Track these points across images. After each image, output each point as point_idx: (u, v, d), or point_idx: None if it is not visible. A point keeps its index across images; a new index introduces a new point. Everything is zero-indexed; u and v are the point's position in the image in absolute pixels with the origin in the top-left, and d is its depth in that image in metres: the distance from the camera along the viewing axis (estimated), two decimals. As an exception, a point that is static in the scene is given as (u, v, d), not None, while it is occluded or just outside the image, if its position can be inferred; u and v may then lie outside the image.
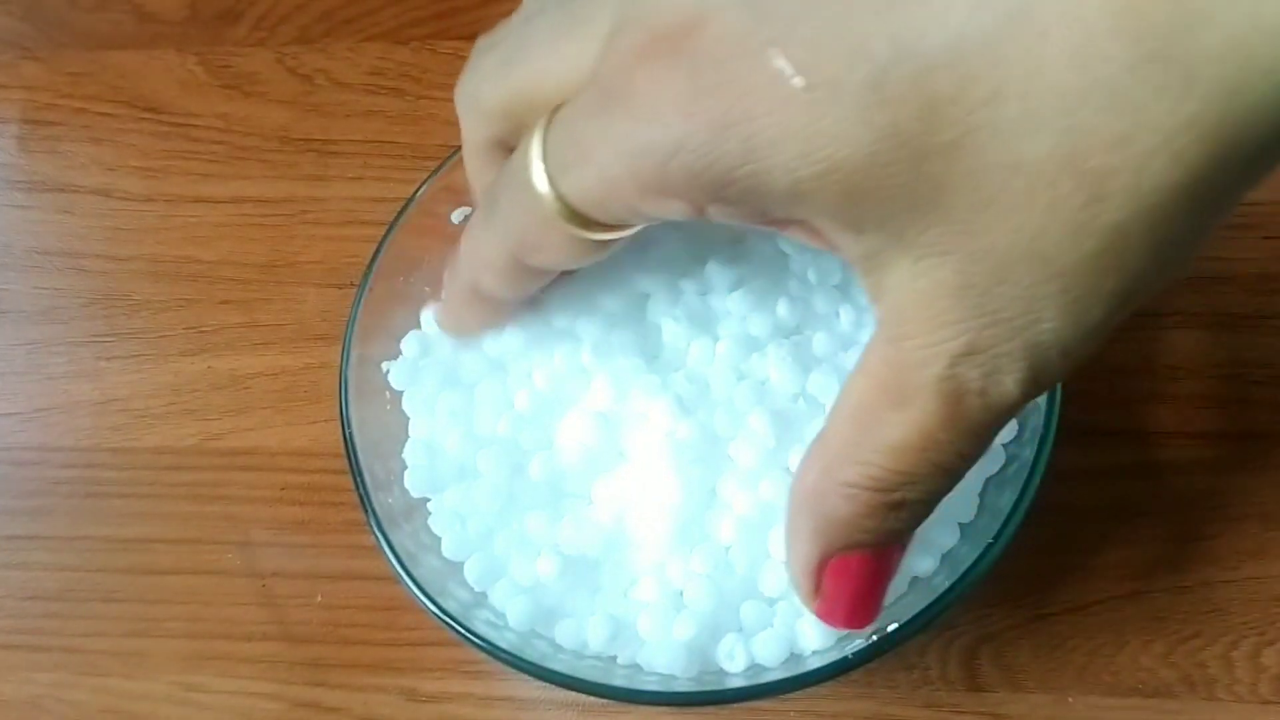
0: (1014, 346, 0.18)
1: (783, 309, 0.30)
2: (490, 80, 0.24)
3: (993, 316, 0.18)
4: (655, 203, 0.20)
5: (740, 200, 0.19)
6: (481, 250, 0.26)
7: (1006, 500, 0.28)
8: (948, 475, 0.21)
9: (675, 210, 0.20)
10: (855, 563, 0.22)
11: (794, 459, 0.30)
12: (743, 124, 0.18)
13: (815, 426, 0.30)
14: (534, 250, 0.24)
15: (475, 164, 0.27)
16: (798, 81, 0.17)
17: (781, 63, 0.17)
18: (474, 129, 0.25)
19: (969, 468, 0.21)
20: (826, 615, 0.23)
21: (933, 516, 0.29)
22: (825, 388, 0.30)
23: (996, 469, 0.30)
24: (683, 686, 0.28)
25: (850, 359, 0.30)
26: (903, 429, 0.20)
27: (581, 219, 0.21)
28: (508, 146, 0.25)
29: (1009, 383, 0.19)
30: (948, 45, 0.16)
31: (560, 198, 0.21)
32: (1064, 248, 0.17)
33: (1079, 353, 0.19)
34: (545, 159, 0.21)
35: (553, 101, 0.22)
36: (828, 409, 0.30)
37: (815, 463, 0.22)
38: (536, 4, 0.24)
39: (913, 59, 0.16)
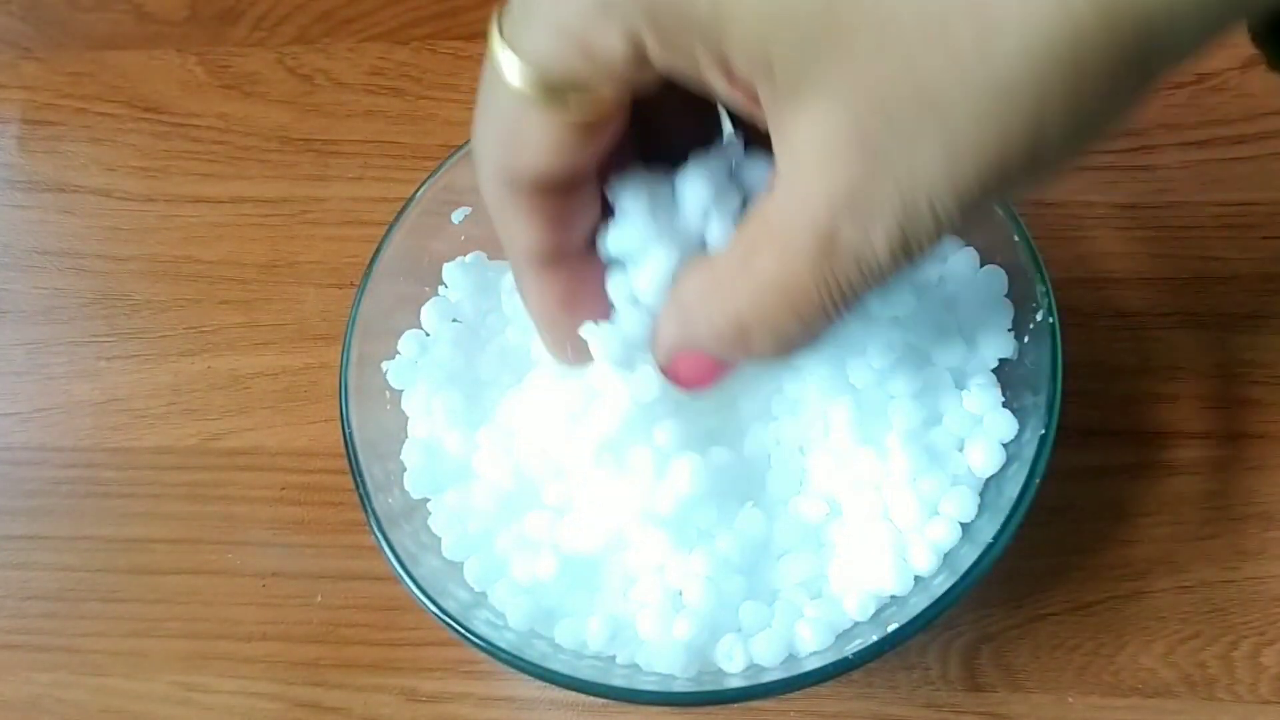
0: (891, 199, 0.19)
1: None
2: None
3: (877, 164, 0.19)
4: (602, 33, 0.20)
5: (672, 26, 0.19)
6: (487, 198, 0.25)
7: (1006, 500, 0.28)
8: (803, 326, 0.22)
9: (617, 49, 0.20)
10: (703, 358, 0.26)
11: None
12: None
13: (824, 425, 0.30)
14: (518, 152, 0.23)
15: None
16: None
17: None
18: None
19: (827, 326, 0.22)
20: (670, 377, 0.27)
21: (933, 516, 0.30)
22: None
23: (996, 469, 0.30)
24: (681, 686, 0.28)
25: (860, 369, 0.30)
26: (774, 269, 0.21)
27: (551, 91, 0.21)
28: None
29: (879, 239, 0.19)
30: None
31: (525, 66, 0.21)
32: (951, 94, 0.17)
33: (949, 220, 0.19)
34: (502, 36, 0.22)
35: None
36: (834, 411, 0.30)
37: (698, 283, 0.23)
38: None
39: None
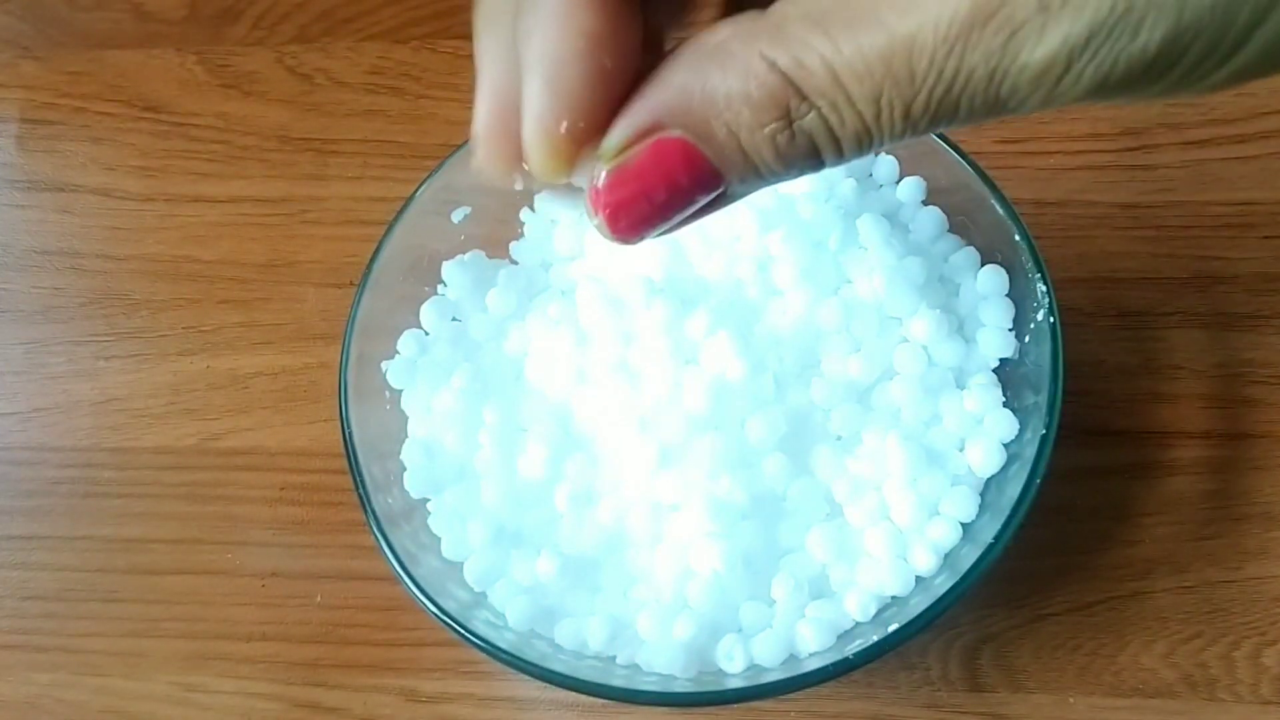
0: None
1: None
2: None
3: None
4: None
5: None
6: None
7: (1007, 500, 0.28)
8: (866, 134, 0.18)
9: None
10: (676, 150, 0.18)
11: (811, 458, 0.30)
12: None
13: (824, 425, 0.30)
14: None
15: None
16: None
17: None
18: None
19: (922, 120, 0.18)
20: (607, 189, 0.19)
21: (933, 516, 0.30)
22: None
23: (997, 469, 0.30)
24: (682, 687, 0.28)
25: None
26: (905, 25, 0.17)
27: None
28: None
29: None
30: None
31: None
32: None
33: None
34: None
35: None
36: (832, 411, 0.30)
37: (744, 27, 0.18)
38: None
39: None
